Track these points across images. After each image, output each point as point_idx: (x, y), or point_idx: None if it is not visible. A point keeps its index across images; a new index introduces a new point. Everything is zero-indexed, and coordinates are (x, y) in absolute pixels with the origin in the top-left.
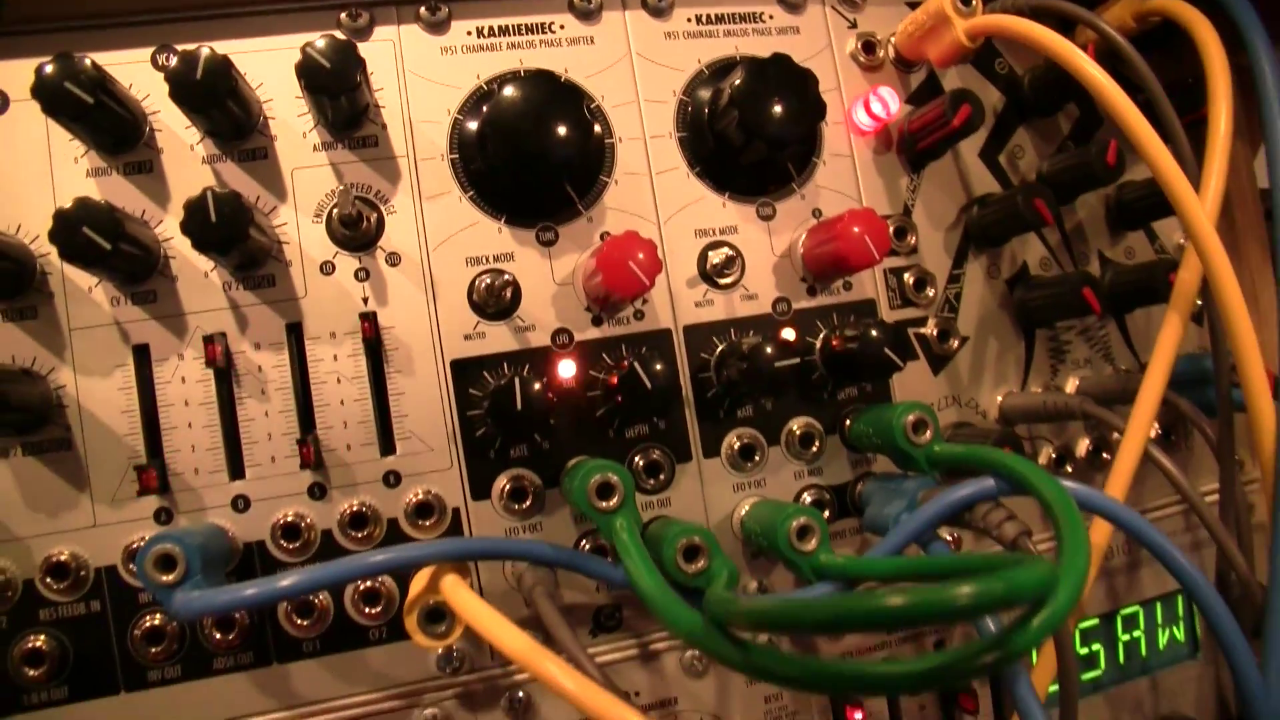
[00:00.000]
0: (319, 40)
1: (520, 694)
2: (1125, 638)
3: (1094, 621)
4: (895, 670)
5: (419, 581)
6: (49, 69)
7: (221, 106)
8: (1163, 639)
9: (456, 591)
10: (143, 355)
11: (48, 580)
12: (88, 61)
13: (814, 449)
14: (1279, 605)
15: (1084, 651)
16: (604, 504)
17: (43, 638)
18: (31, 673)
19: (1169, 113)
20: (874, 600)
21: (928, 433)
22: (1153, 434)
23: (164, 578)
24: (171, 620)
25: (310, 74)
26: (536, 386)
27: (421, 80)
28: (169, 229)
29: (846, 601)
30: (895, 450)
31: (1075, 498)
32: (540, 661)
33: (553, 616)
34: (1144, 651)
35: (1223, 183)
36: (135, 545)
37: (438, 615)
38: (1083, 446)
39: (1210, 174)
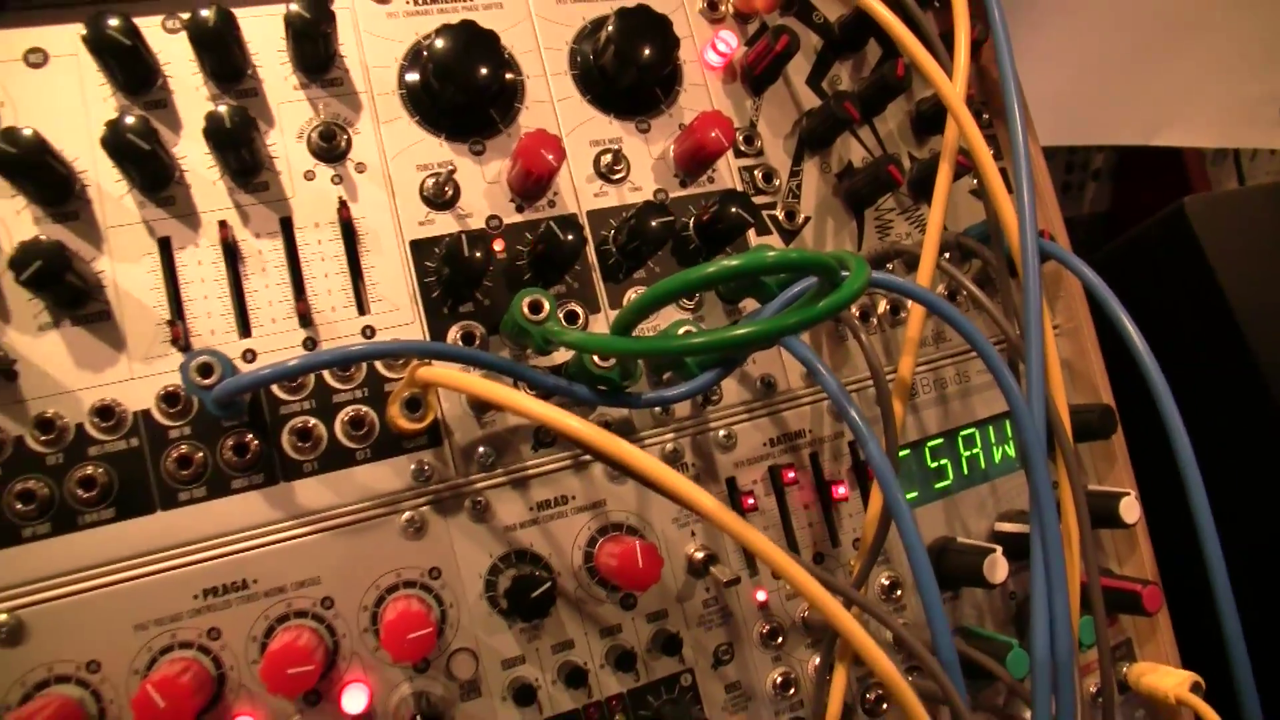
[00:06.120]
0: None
1: (480, 499)
2: (967, 454)
3: (939, 440)
4: (710, 336)
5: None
6: (96, 21)
7: (228, 48)
8: (998, 455)
9: (432, 370)
10: (165, 246)
11: (95, 420)
12: (117, 20)
13: (695, 300)
14: (1034, 346)
15: (934, 465)
16: (535, 317)
17: (90, 468)
18: (84, 495)
19: (929, 29)
20: (708, 264)
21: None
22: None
23: (204, 381)
24: (202, 441)
25: (294, 22)
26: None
27: (373, 37)
28: (182, 149)
29: (681, 275)
30: (755, 288)
31: (893, 287)
32: (505, 394)
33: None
34: (983, 465)
35: (966, 67)
36: (165, 390)
37: (415, 404)
38: (881, 305)
39: (958, 61)
